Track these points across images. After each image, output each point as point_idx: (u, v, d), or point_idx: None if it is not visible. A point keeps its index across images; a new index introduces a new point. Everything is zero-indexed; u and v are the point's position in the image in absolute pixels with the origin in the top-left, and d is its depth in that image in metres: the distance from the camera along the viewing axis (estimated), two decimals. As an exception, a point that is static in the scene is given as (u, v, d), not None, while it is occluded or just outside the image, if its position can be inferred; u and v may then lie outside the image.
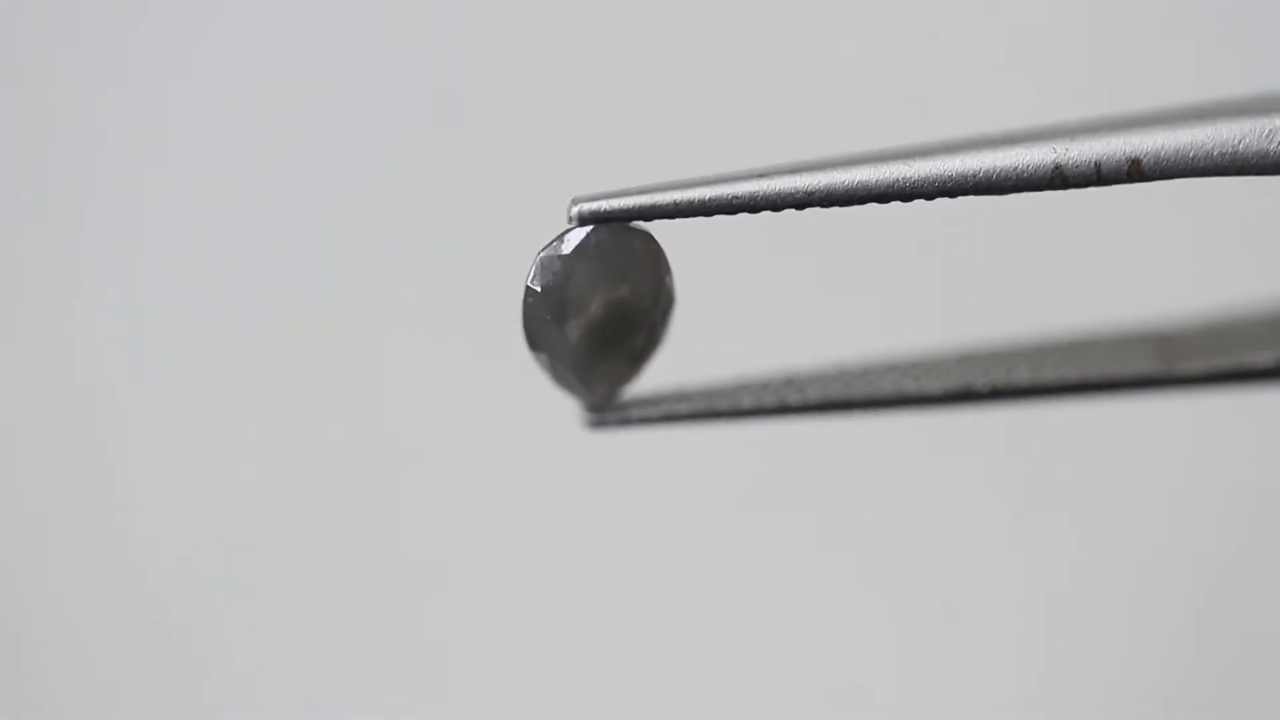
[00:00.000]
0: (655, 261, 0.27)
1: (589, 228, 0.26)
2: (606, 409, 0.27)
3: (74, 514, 0.56)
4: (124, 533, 0.56)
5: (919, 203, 0.25)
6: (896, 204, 0.25)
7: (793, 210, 0.25)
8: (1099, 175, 0.25)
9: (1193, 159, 0.24)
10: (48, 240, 0.56)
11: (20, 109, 0.56)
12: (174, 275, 0.56)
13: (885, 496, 0.55)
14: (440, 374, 0.55)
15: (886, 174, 0.25)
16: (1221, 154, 0.24)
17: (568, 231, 0.26)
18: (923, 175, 0.25)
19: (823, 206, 0.25)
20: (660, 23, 0.56)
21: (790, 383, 0.28)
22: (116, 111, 0.56)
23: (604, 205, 0.26)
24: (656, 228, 0.26)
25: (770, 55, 0.55)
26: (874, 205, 0.25)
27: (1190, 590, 0.55)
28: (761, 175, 0.25)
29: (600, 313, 0.26)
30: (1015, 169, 0.25)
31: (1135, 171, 0.25)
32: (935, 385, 0.28)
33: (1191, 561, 0.55)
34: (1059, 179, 0.25)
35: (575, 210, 0.26)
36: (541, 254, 0.26)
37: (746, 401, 0.28)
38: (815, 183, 0.25)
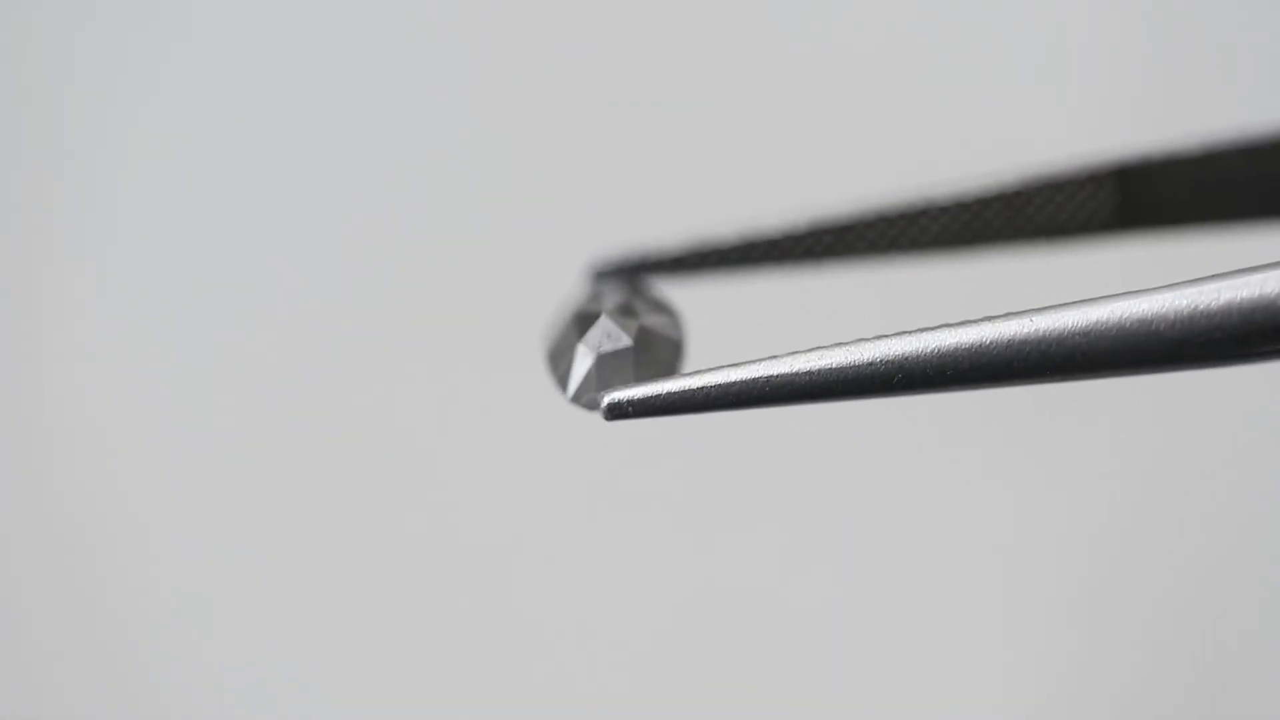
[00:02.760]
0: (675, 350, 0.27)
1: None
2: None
3: (73, 513, 0.56)
4: (120, 533, 0.56)
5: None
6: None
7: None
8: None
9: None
10: (46, 241, 0.56)
11: (20, 110, 0.56)
12: (169, 276, 0.56)
13: (884, 496, 0.55)
14: (443, 379, 0.56)
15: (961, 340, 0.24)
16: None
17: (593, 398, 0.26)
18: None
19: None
20: (667, 24, 0.56)
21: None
22: (117, 113, 0.56)
23: (634, 397, 0.26)
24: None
25: (771, 62, 0.55)
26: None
27: (1193, 590, 0.55)
28: (819, 356, 0.25)
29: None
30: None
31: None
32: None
33: (1196, 560, 0.55)
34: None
35: (605, 407, 0.26)
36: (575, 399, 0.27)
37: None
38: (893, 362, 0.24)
